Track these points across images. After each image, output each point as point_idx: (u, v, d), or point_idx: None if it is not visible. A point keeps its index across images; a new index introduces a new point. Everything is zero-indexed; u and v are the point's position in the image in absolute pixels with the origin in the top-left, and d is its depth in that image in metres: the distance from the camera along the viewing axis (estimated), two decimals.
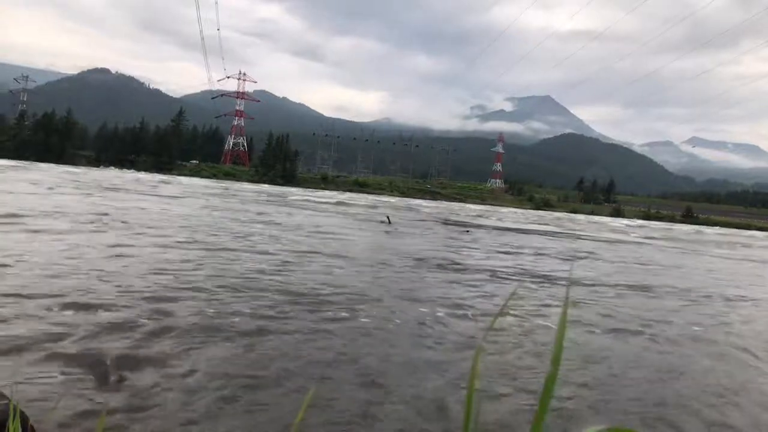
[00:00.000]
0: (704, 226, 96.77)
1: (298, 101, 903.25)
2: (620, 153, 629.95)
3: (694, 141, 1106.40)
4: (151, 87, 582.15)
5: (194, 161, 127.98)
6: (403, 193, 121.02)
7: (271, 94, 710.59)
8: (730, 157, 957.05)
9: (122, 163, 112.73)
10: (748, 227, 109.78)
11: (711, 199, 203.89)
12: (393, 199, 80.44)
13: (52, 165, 78.82)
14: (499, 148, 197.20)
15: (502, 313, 4.70)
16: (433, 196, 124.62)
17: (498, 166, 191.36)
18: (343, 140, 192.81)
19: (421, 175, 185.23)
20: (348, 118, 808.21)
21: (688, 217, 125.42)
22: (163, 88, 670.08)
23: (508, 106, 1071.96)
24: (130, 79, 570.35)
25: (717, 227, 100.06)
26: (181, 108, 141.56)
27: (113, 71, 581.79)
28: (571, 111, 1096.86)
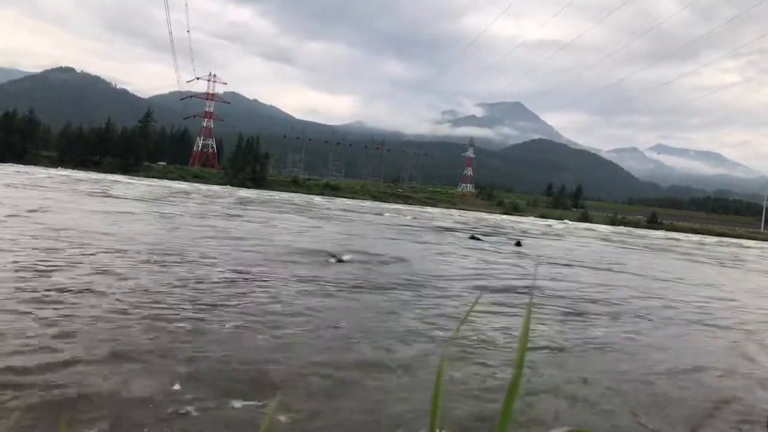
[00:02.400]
0: (669, 232, 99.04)
1: (268, 103, 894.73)
2: (588, 159, 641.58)
3: (659, 148, 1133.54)
4: (117, 87, 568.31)
5: (162, 163, 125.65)
6: (375, 197, 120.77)
7: (241, 96, 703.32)
8: (692, 164, 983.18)
9: (86, 164, 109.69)
10: (709, 233, 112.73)
11: (675, 204, 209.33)
12: (367, 203, 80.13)
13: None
14: (470, 153, 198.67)
15: (466, 320, 4.47)
16: (405, 200, 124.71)
17: (469, 171, 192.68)
18: (314, 143, 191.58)
19: (392, 178, 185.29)
20: (319, 121, 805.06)
21: (653, 223, 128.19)
22: (130, 89, 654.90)
23: (479, 112, 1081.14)
24: (96, 79, 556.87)
25: (681, 233, 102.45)
26: (148, 109, 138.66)
27: (78, 70, 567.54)
28: (541, 117, 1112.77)
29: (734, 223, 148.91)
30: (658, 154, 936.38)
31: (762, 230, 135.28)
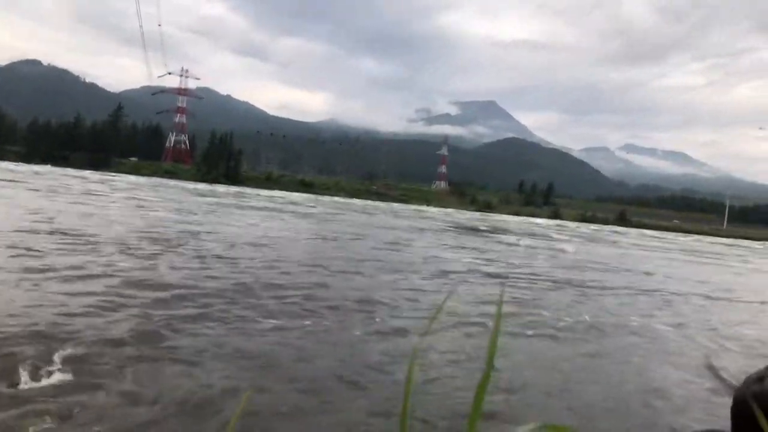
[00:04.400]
0: (637, 229, 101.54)
1: (242, 99, 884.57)
2: (559, 157, 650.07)
3: (628, 147, 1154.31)
4: (86, 81, 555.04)
5: (133, 158, 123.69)
6: (350, 194, 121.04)
7: (214, 91, 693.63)
8: (660, 163, 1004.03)
9: (55, 159, 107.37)
10: (676, 230, 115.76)
11: (643, 203, 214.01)
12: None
13: None
14: (444, 151, 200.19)
15: (437, 316, 4.97)
16: (380, 197, 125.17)
17: (443, 168, 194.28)
18: (288, 139, 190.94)
19: (366, 176, 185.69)
20: (293, 118, 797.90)
21: (622, 221, 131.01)
22: (99, 83, 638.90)
23: (453, 110, 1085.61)
24: (64, 72, 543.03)
25: (649, 230, 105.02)
26: (119, 103, 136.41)
27: (45, 63, 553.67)
28: (514, 116, 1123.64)
29: (699, 221, 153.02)
30: (628, 153, 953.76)
31: (724, 228, 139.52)
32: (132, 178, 79.20)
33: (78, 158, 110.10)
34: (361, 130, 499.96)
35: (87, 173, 73.22)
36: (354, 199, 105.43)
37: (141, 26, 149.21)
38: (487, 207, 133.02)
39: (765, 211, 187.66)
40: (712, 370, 6.48)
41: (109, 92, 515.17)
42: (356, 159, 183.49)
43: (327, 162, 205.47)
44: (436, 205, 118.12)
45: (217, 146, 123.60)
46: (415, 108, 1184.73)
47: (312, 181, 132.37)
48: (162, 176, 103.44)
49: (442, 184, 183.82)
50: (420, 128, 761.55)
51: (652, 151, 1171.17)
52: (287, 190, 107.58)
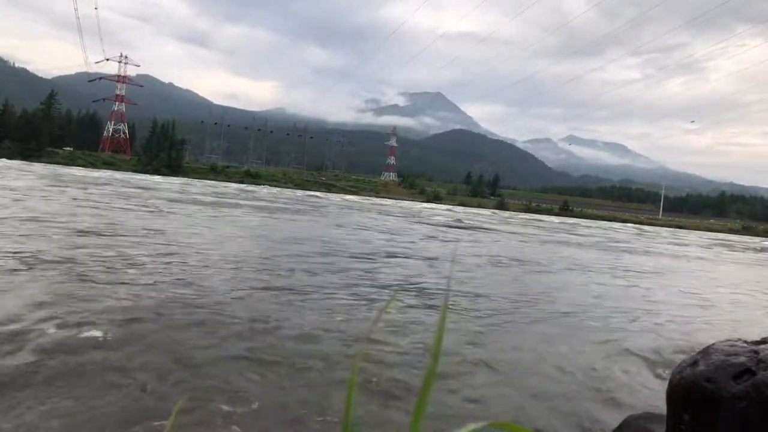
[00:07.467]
0: (579, 219, 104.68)
1: (185, 87, 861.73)
2: (505, 148, 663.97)
3: (570, 139, 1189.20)
4: (16, 66, 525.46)
5: (68, 148, 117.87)
6: (298, 185, 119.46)
7: (155, 79, 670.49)
8: (600, 154, 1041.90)
9: None
10: (615, 219, 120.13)
11: (585, 193, 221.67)
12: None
13: None
14: (393, 142, 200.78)
15: (381, 317, 4.57)
16: (328, 188, 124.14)
17: (392, 159, 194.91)
18: (233, 129, 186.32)
19: (315, 166, 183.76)
20: (239, 107, 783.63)
21: (565, 210, 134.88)
22: (30, 68, 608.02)
23: (401, 101, 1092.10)
24: None
25: (590, 219, 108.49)
26: (52, 90, 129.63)
27: None
28: (461, 108, 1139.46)
29: (637, 211, 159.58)
30: (570, 144, 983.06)
31: (660, 217, 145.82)
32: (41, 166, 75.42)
33: (7, 148, 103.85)
34: (310, 119, 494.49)
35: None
36: (301, 190, 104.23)
37: (76, 9, 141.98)
38: (435, 198, 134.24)
39: (696, 201, 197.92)
40: None
41: (42, 78, 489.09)
42: (305, 149, 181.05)
43: (274, 152, 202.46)
44: (385, 197, 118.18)
45: (159, 136, 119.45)
46: (364, 98, 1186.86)
47: (258, 172, 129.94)
48: (100, 167, 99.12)
49: (391, 176, 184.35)
50: (369, 118, 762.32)
51: (592, 143, 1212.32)
52: (232, 181, 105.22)
